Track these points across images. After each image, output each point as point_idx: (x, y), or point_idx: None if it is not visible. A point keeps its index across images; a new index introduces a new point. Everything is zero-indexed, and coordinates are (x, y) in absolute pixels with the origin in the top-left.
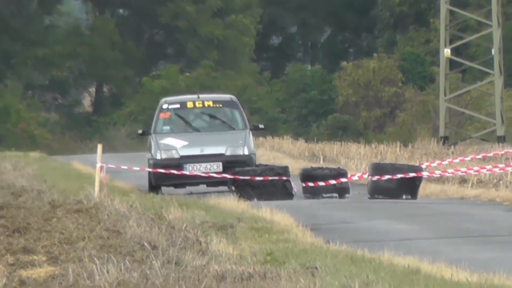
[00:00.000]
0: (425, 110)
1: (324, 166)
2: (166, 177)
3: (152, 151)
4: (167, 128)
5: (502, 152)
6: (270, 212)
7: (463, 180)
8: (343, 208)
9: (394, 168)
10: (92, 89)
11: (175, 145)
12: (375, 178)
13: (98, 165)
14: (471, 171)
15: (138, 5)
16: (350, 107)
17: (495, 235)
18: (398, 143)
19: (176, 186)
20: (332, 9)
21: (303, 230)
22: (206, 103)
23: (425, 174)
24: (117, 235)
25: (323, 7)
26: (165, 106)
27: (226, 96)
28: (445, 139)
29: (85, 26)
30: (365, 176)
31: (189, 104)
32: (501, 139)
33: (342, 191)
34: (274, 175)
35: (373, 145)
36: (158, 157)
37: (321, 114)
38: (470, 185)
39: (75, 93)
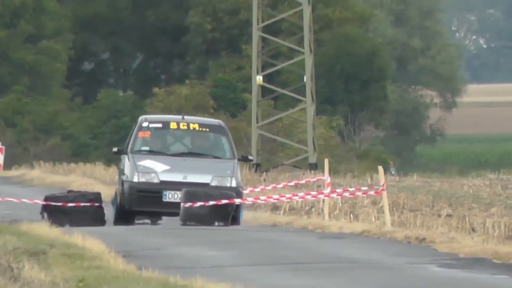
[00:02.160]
0: (237, 137)
1: None
2: (143, 202)
3: (128, 172)
4: (146, 148)
5: (314, 179)
6: (82, 238)
7: (275, 207)
8: (155, 234)
9: (206, 195)
10: None
11: (156, 168)
12: (188, 204)
13: None
14: (284, 198)
15: None
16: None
17: (307, 262)
18: None
19: (151, 215)
20: (144, 35)
21: (115, 256)
22: (191, 126)
23: (237, 201)
24: None
25: (135, 33)
26: (145, 124)
27: (214, 121)
28: (258, 166)
29: None
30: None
31: (173, 125)
32: (313, 166)
33: (155, 216)
34: (86, 201)
35: None
36: (135, 179)
37: None
38: (282, 212)
39: None
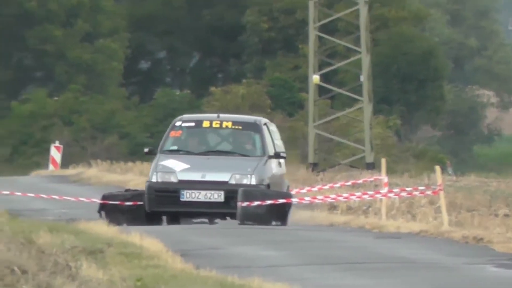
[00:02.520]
0: (294, 136)
1: None
2: (161, 202)
3: (150, 173)
4: (174, 148)
5: (371, 179)
6: (140, 237)
7: (332, 207)
8: (212, 234)
9: (263, 194)
10: None
11: (175, 168)
12: (245, 204)
13: None
14: (341, 198)
15: (5, 28)
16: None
17: (364, 262)
18: None
19: (169, 215)
20: (200, 34)
21: (172, 255)
22: (224, 124)
23: (294, 200)
24: None
25: (191, 32)
26: (178, 123)
27: (250, 118)
28: (314, 165)
29: None
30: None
31: (205, 124)
32: (370, 166)
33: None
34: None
35: None
36: (154, 179)
37: None
38: (339, 211)
39: None
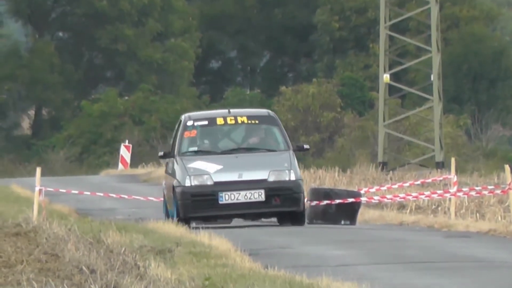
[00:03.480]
0: (363, 136)
1: None
2: (198, 207)
3: (179, 177)
4: (193, 149)
5: (441, 178)
6: (209, 236)
7: (401, 206)
8: (281, 233)
9: (333, 194)
10: (31, 112)
11: (208, 169)
12: (314, 203)
13: (37, 188)
14: (410, 197)
15: (77, 28)
16: (289, 132)
17: (433, 261)
18: (337, 168)
19: (206, 219)
20: (271, 33)
21: (241, 255)
22: (239, 119)
23: (363, 199)
24: (56, 259)
25: (262, 32)
26: (189, 123)
27: (263, 111)
28: (384, 164)
29: (24, 49)
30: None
31: (219, 121)
32: (440, 165)
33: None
34: None
35: (311, 170)
36: (187, 183)
37: None
38: (408, 211)
39: (14, 116)
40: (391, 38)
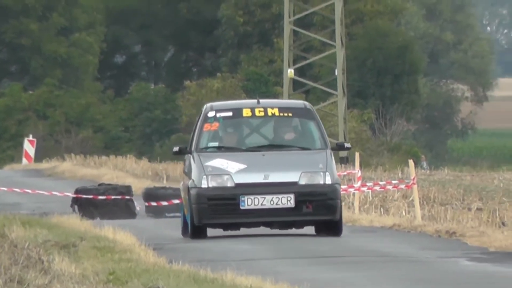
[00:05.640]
0: None
1: (168, 186)
2: (216, 213)
3: (194, 176)
4: (214, 144)
5: (345, 173)
6: (113, 231)
7: None
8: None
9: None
10: None
11: (228, 169)
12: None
13: None
14: None
15: None
16: (193, 127)
17: (338, 256)
18: None
19: (226, 227)
20: (176, 28)
21: (145, 249)
22: (269, 111)
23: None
24: None
25: (166, 26)
26: (211, 114)
27: (298, 102)
28: None
29: None
30: None
31: (246, 112)
32: (344, 160)
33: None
34: (117, 194)
35: None
36: (204, 185)
37: (164, 133)
38: None
39: None
40: (295, 33)
